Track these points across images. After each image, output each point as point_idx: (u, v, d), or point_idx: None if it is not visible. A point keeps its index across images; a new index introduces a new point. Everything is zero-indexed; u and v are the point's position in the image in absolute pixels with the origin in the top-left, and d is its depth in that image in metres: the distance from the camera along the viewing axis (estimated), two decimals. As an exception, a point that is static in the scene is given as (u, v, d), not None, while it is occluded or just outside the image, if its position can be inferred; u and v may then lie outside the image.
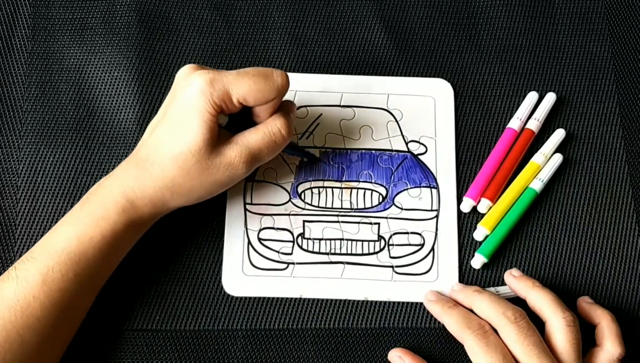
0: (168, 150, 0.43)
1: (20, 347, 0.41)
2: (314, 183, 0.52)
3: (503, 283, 0.50)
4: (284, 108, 0.47)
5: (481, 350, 0.43)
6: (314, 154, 0.53)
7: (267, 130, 0.45)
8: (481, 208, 0.52)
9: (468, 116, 0.55)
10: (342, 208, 0.52)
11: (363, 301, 0.50)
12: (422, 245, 0.51)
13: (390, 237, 0.51)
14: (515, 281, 0.48)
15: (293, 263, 0.50)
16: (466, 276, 0.51)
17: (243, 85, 0.43)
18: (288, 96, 0.54)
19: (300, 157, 0.52)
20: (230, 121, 0.45)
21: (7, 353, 0.40)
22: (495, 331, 0.45)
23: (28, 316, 0.41)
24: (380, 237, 0.51)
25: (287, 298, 0.50)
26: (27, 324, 0.41)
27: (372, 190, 0.52)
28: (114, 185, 0.44)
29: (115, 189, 0.44)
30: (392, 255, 0.51)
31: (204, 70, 0.44)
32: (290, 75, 0.54)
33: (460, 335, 0.45)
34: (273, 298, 0.50)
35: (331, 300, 0.50)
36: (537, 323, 0.45)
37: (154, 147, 0.44)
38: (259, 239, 0.51)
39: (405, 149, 0.53)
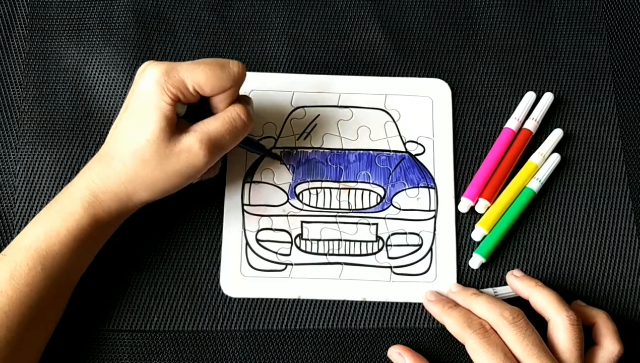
0: (127, 143, 0.43)
1: None
2: (311, 184, 0.52)
3: (501, 284, 0.50)
4: (242, 99, 0.47)
5: (483, 349, 0.43)
6: (273, 151, 0.52)
7: (227, 115, 0.45)
8: (479, 208, 0.52)
9: (466, 116, 0.55)
10: (340, 208, 0.52)
11: (361, 302, 0.50)
12: (420, 246, 0.51)
13: (389, 237, 0.51)
14: (518, 281, 0.48)
15: (291, 264, 0.50)
16: (464, 276, 0.51)
17: (199, 73, 0.43)
18: (285, 96, 0.54)
19: (259, 154, 0.52)
20: (189, 112, 0.45)
21: None
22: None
23: None
24: (378, 238, 0.51)
25: (285, 299, 0.50)
26: None
27: (370, 190, 0.52)
28: (80, 181, 0.44)
29: (81, 185, 0.44)
30: (390, 255, 0.51)
31: (160, 62, 0.44)
32: (288, 75, 0.55)
33: (461, 335, 0.45)
34: (271, 299, 0.50)
35: (329, 300, 0.50)
36: (537, 324, 0.45)
37: (115, 142, 0.44)
38: (257, 240, 0.51)
39: (403, 149, 0.53)
